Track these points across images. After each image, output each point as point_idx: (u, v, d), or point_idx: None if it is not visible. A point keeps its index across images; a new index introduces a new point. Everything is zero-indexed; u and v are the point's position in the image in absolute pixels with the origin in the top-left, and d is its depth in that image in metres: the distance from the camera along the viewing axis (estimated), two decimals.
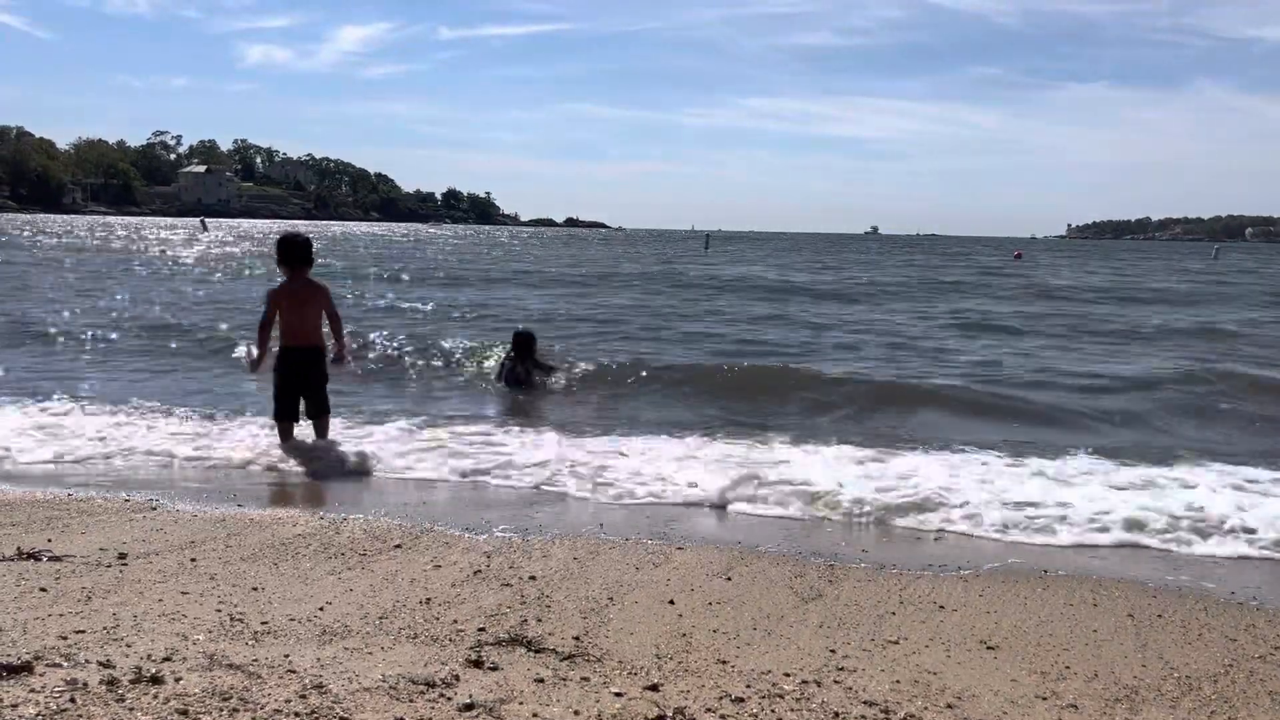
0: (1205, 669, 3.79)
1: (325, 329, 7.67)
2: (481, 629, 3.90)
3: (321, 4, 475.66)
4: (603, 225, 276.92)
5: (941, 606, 4.42)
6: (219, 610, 4.00)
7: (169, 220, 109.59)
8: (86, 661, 3.31)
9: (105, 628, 3.70)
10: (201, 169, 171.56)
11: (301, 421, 7.62)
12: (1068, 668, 3.76)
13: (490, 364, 11.94)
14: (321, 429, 7.64)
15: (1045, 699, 3.47)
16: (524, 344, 11.05)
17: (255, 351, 7.61)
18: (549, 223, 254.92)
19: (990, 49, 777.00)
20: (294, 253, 7.50)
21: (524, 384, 10.74)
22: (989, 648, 3.94)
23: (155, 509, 5.75)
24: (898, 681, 3.56)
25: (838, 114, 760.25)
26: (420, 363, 12.58)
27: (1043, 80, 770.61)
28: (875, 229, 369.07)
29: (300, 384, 7.45)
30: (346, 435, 7.88)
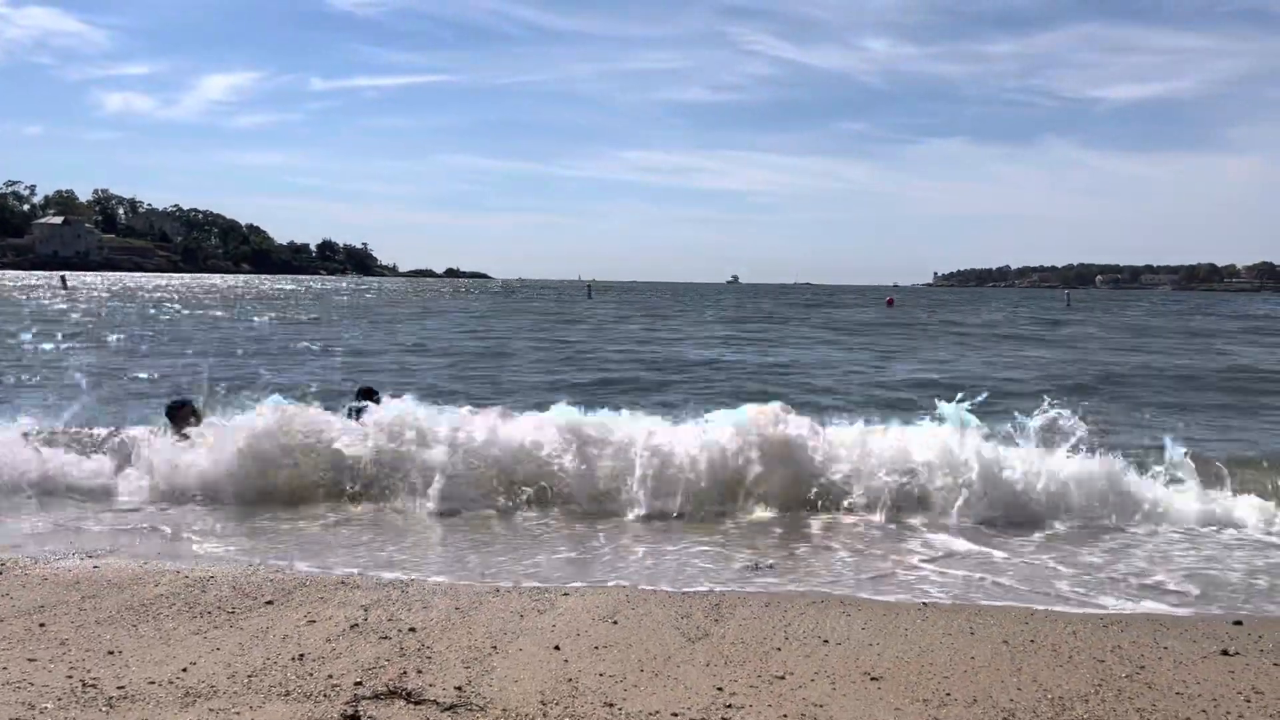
0: (1077, 690, 3.91)
1: None
2: (358, 683, 3.75)
3: (184, 52, 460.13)
4: (485, 276, 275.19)
5: (826, 640, 4.45)
6: (70, 676, 3.73)
7: (20, 275, 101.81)
8: None
9: None
10: (58, 220, 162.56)
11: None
12: (949, 694, 3.83)
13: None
14: None
15: None
16: (368, 397, 11.07)
17: None
18: (429, 274, 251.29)
19: (856, 106, 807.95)
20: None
21: None
22: (873, 679, 3.98)
23: (1, 572, 5.35)
24: (785, 716, 3.55)
25: (712, 167, 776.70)
26: None
27: (906, 136, 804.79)
28: (736, 278, 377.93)
29: None
30: None
